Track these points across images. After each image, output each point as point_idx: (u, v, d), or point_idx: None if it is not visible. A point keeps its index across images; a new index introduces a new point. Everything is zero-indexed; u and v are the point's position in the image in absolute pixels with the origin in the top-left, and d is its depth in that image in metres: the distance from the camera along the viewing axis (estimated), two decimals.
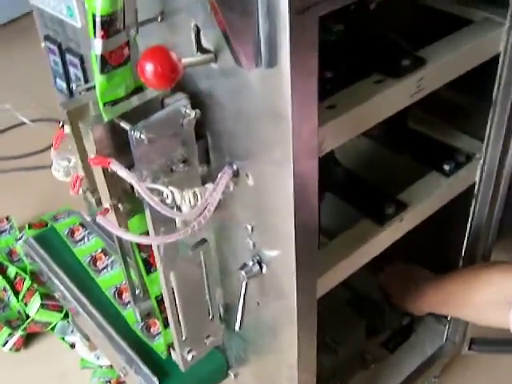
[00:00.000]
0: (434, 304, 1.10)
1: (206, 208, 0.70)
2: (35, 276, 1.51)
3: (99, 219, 0.72)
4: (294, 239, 0.72)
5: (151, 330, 1.03)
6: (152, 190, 0.68)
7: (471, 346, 1.23)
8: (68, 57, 0.96)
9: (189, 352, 0.90)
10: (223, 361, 1.02)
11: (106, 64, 0.67)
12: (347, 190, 0.97)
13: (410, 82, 0.77)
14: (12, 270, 1.58)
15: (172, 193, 0.69)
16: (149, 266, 0.90)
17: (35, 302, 1.46)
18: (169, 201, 0.69)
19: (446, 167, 0.97)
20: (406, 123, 1.04)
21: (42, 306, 1.44)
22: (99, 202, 0.77)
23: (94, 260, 1.16)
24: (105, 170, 0.70)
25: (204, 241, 0.83)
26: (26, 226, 1.71)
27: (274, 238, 0.75)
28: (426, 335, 1.28)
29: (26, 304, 1.49)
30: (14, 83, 2.34)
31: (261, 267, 0.79)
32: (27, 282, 1.52)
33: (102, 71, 0.66)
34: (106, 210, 0.74)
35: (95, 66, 0.66)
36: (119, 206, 0.74)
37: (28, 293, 1.50)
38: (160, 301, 0.91)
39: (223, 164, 0.74)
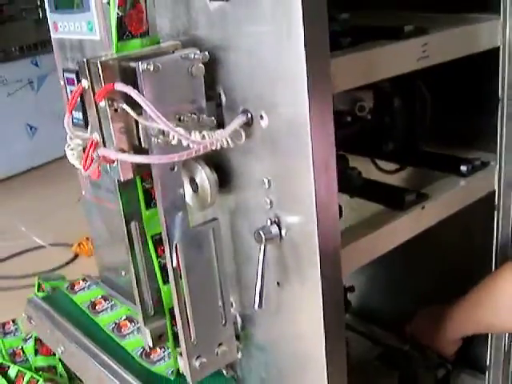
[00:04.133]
0: (465, 321, 1.04)
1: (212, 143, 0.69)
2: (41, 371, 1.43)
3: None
4: (314, 193, 0.69)
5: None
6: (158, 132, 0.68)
7: None
8: None
9: (197, 358, 0.81)
10: None
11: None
12: (365, 190, 0.94)
13: (415, 45, 0.80)
14: (14, 370, 1.50)
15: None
16: (166, 273, 0.84)
17: None
18: (174, 142, 0.68)
19: (463, 168, 0.96)
20: (417, 144, 1.05)
21: None
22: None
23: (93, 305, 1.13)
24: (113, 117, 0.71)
25: (214, 219, 0.79)
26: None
27: (292, 193, 0.72)
28: None
29: None
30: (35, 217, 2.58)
31: (280, 230, 0.75)
32: (28, 376, 1.43)
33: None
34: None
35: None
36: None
37: None
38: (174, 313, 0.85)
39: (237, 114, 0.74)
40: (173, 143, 0.68)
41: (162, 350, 0.99)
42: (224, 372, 0.91)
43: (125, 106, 0.69)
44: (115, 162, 0.73)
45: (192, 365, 0.80)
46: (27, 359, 1.55)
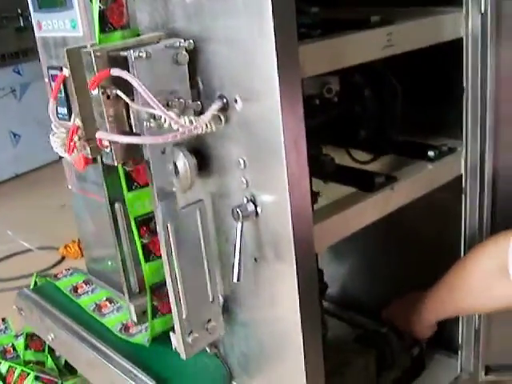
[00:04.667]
0: (440, 305, 1.07)
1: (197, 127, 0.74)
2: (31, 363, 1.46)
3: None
4: (286, 171, 0.74)
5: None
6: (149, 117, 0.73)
7: (487, 373, 1.17)
8: None
9: (190, 334, 0.86)
10: (224, 369, 0.97)
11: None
12: (338, 175, 0.99)
13: (380, 34, 0.85)
14: (4, 366, 1.51)
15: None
16: (148, 252, 0.89)
17: (28, 381, 1.38)
18: (166, 125, 0.73)
19: (431, 153, 1.02)
20: (388, 133, 1.10)
21: (36, 378, 1.37)
22: (95, 151, 0.81)
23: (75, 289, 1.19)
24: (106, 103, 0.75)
25: (200, 200, 0.84)
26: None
27: (266, 172, 0.77)
28: (439, 370, 1.21)
29: None
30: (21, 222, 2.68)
31: (256, 208, 0.79)
32: (18, 370, 1.45)
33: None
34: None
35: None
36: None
37: (19, 378, 1.43)
38: (154, 289, 0.90)
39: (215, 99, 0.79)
40: (165, 126, 0.73)
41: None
42: (207, 349, 0.95)
43: (119, 92, 0.74)
44: (108, 148, 0.78)
45: (185, 340, 0.86)
46: (18, 355, 1.56)
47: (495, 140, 1.02)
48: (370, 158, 1.13)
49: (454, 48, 0.98)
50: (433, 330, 1.19)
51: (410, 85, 1.06)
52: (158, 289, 0.90)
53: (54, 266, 2.22)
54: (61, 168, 1.23)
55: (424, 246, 1.22)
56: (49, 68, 1.09)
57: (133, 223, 0.87)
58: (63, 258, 2.29)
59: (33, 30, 1.10)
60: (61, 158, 1.22)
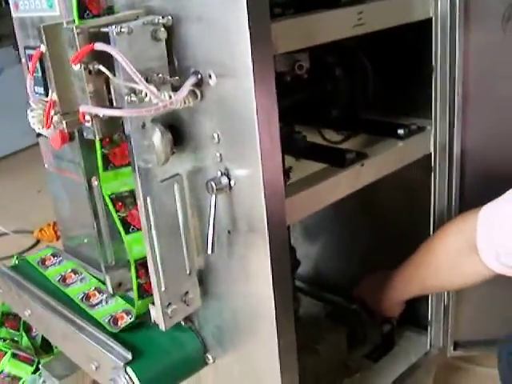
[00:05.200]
0: (408, 284, 1.10)
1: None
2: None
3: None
4: (258, 145, 0.76)
5: (118, 323, 1.02)
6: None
7: (456, 348, 1.20)
8: None
9: (168, 306, 0.88)
10: (198, 342, 0.99)
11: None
12: (310, 152, 1.02)
13: (351, 13, 0.88)
14: None
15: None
16: (127, 225, 0.91)
17: (6, 359, 1.39)
18: (146, 99, 0.75)
19: (401, 132, 1.05)
20: (358, 112, 1.13)
21: (13, 355, 1.38)
22: (71, 125, 0.82)
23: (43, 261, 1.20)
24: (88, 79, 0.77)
25: (177, 174, 0.86)
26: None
27: (239, 145, 0.79)
28: (409, 346, 1.25)
29: None
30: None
31: (229, 181, 0.81)
32: None
33: None
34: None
35: None
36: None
37: None
38: (139, 265, 0.91)
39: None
40: (145, 100, 0.75)
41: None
42: (182, 323, 0.97)
43: (101, 67, 0.75)
44: (89, 123, 0.79)
45: (164, 312, 0.88)
46: None
47: (463, 119, 1.05)
48: (342, 138, 1.16)
49: (423, 28, 1.01)
50: (401, 308, 1.22)
51: (380, 65, 1.09)
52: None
53: (30, 249, 2.24)
54: (36, 153, 1.24)
55: (394, 224, 1.25)
56: (25, 48, 1.09)
57: (108, 200, 0.89)
58: (38, 242, 2.29)
59: (4, 17, 1.10)
60: (37, 143, 1.24)
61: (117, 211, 0.90)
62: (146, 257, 0.87)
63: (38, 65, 1.07)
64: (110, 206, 0.89)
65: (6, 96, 3.25)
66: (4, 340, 1.48)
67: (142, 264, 0.91)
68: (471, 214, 0.96)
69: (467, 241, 0.94)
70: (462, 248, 0.96)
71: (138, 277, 0.92)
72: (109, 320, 1.02)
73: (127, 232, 0.91)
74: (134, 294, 0.94)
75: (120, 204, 0.90)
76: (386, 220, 1.29)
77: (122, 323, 1.01)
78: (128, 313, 1.02)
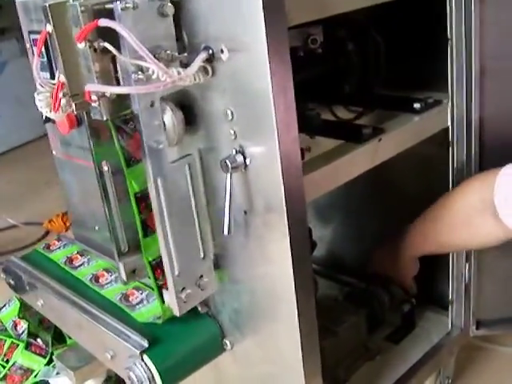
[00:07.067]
0: (422, 239, 1.09)
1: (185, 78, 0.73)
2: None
3: None
4: (274, 120, 0.74)
5: (130, 299, 1.01)
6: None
7: (478, 328, 1.18)
8: None
9: (182, 290, 0.86)
10: (216, 327, 0.96)
11: None
12: (325, 129, 0.99)
13: None
14: None
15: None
16: (145, 228, 0.88)
17: (19, 351, 1.38)
18: (154, 76, 0.72)
19: (417, 105, 1.02)
20: (372, 87, 1.10)
21: (26, 346, 1.36)
22: (80, 107, 0.80)
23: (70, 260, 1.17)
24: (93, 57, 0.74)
25: (189, 154, 0.83)
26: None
27: (254, 122, 0.77)
28: (430, 326, 1.23)
29: (7, 361, 1.40)
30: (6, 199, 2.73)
31: (244, 159, 0.79)
32: (8, 342, 1.44)
33: None
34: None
35: None
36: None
37: (9, 350, 1.42)
38: (155, 265, 0.89)
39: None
40: (153, 78, 0.72)
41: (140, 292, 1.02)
42: (199, 308, 0.95)
43: (106, 45, 0.72)
44: (96, 102, 0.76)
45: (178, 297, 0.85)
46: (5, 328, 1.56)
47: (480, 91, 1.02)
48: (354, 116, 1.13)
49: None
50: (416, 267, 1.19)
51: (394, 39, 1.06)
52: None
53: (39, 240, 2.23)
54: (43, 145, 1.21)
55: (410, 201, 1.22)
56: (30, 33, 1.06)
57: (133, 199, 0.86)
58: (47, 233, 2.30)
59: (9, 8, 1.07)
60: (43, 135, 1.21)
61: (140, 213, 0.87)
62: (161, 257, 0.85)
63: (43, 49, 1.06)
64: (135, 208, 0.86)
65: (10, 89, 3.25)
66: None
67: (158, 263, 0.89)
68: (491, 172, 0.94)
69: (483, 200, 0.93)
70: (478, 207, 0.95)
71: (156, 278, 0.90)
72: (120, 298, 1.01)
73: (145, 235, 0.88)
74: (156, 298, 0.92)
75: (143, 205, 0.87)
76: (401, 197, 1.26)
77: (133, 299, 1.00)
78: (138, 289, 1.01)
